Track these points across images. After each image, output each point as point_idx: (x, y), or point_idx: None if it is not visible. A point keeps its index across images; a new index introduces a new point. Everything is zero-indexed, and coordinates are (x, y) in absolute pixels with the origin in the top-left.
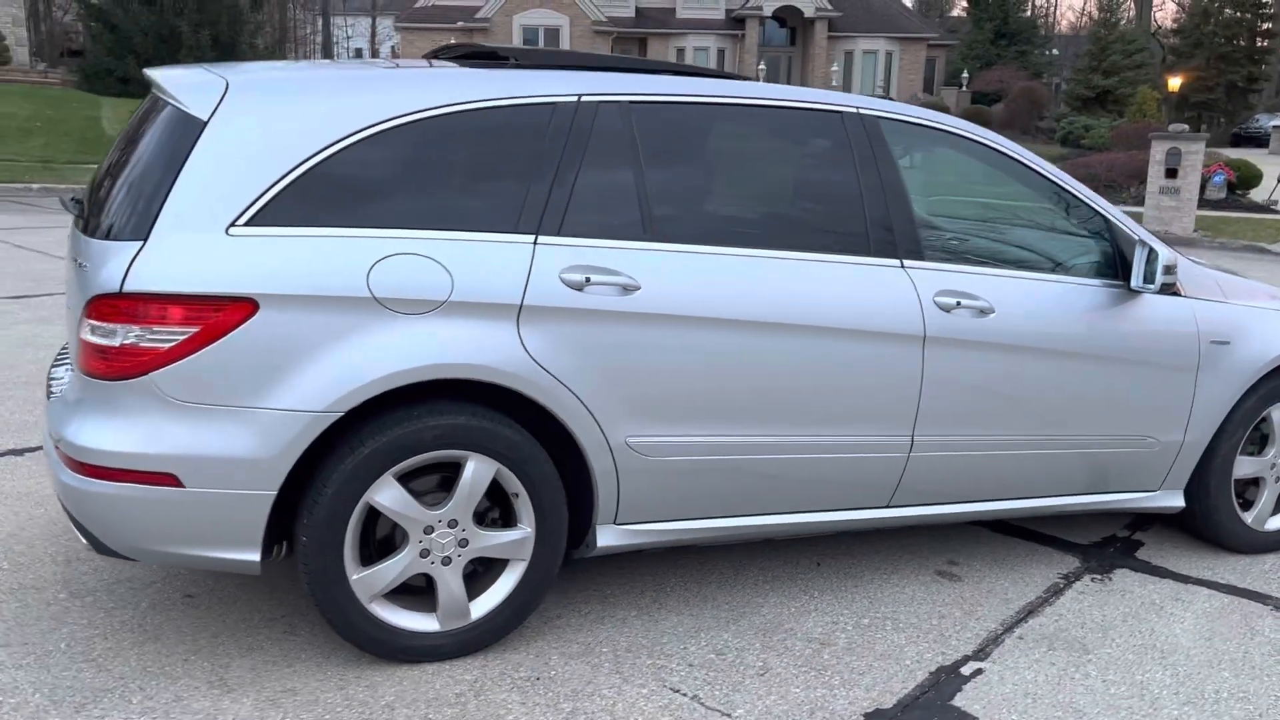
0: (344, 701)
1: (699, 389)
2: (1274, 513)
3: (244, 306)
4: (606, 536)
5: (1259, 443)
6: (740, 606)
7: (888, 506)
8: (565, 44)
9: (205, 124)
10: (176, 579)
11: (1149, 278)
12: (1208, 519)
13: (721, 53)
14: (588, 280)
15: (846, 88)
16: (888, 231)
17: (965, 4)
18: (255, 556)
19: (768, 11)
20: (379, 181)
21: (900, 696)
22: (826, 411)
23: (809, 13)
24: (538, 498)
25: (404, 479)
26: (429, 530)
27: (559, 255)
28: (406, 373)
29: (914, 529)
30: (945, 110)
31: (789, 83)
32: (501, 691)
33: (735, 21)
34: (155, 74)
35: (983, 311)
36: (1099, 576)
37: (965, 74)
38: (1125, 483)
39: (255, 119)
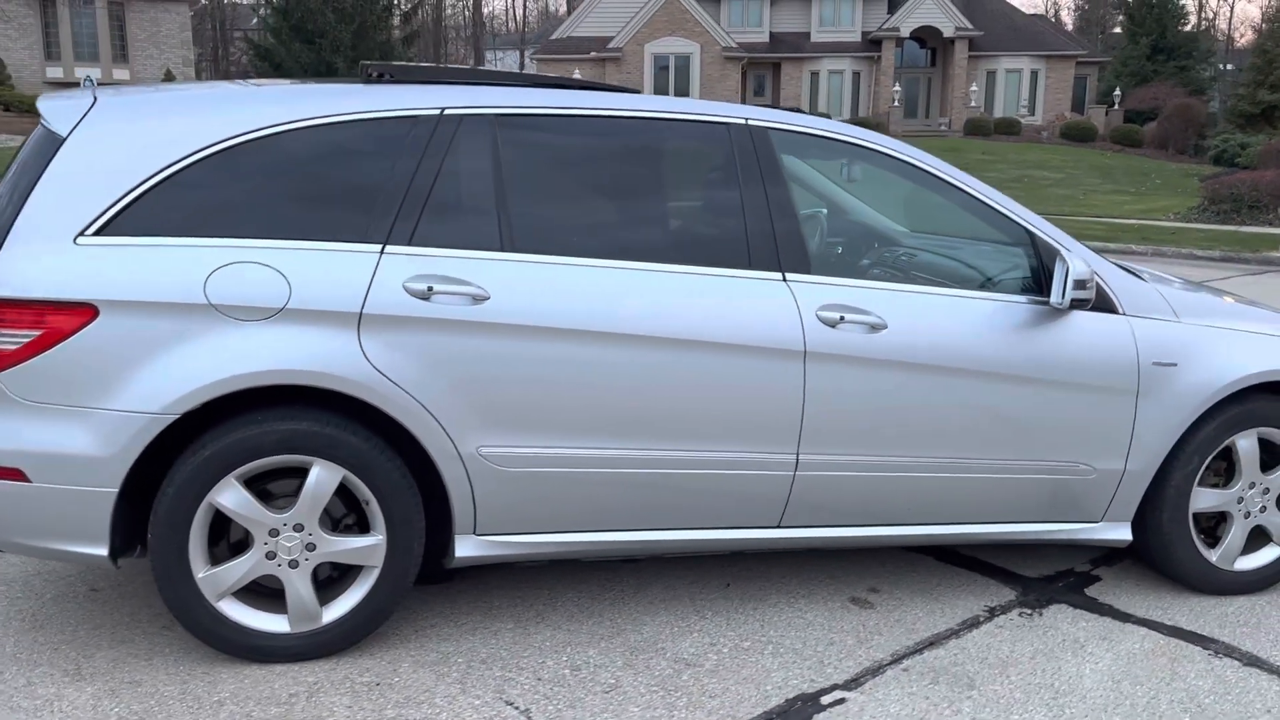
0: (179, 695)
1: (556, 400)
2: (1247, 551)
3: (84, 312)
4: (466, 547)
5: (1225, 474)
6: (623, 624)
7: (779, 527)
8: (696, 71)
9: (64, 140)
10: (90, 574)
11: (1064, 293)
12: (1164, 555)
13: (857, 75)
14: (430, 289)
15: (987, 108)
16: (770, 244)
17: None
18: (103, 551)
19: (905, 33)
20: (226, 194)
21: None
22: (700, 426)
23: (948, 32)
24: (387, 505)
25: (257, 481)
26: (274, 533)
27: (405, 265)
28: (240, 378)
29: (843, 553)
30: (1092, 130)
31: (928, 104)
32: (335, 695)
33: (871, 44)
34: (40, 100)
35: (874, 327)
36: (1029, 611)
37: (1117, 92)
38: (1060, 513)
39: (109, 136)
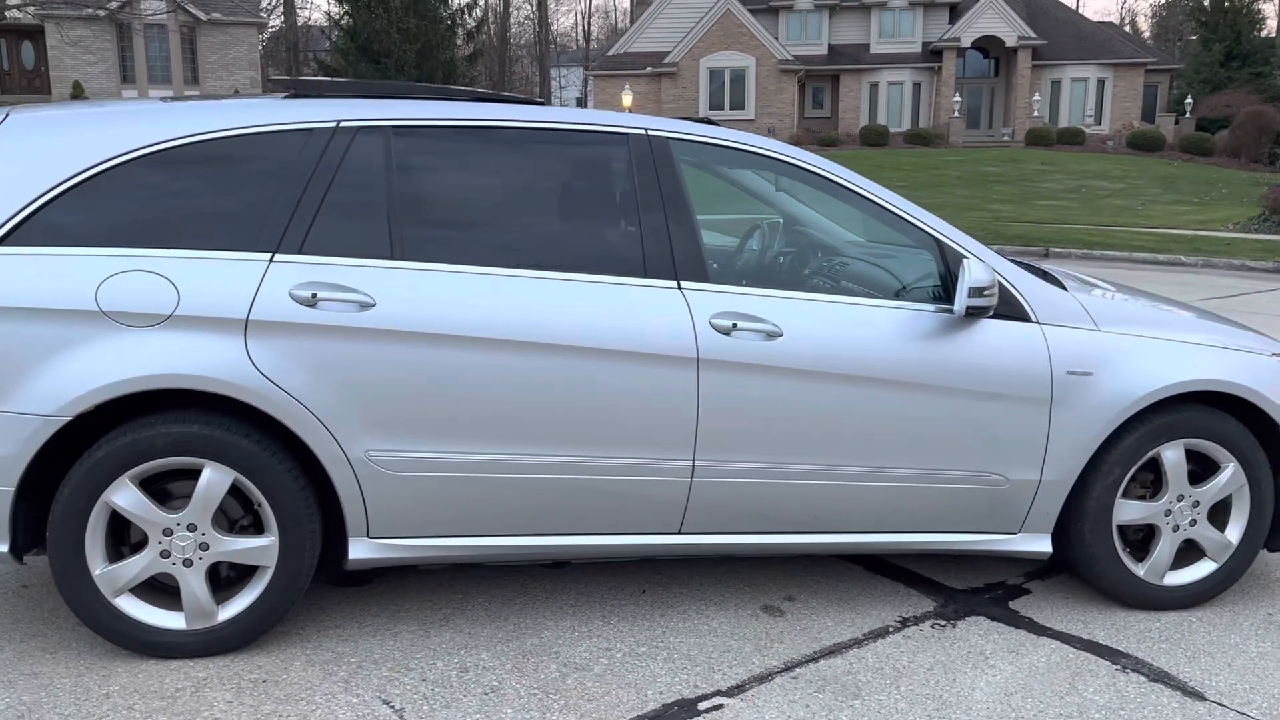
0: (71, 687)
1: (444, 406)
2: (1179, 566)
3: None
4: (360, 549)
5: (1153, 486)
6: (526, 628)
7: (680, 533)
8: (751, 84)
9: None
10: (23, 572)
11: (961, 301)
12: (1088, 569)
13: (917, 86)
14: (314, 296)
15: (1052, 118)
16: (666, 253)
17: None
18: (3, 547)
19: (966, 43)
20: (124, 206)
21: None
22: (593, 432)
23: (1011, 41)
24: (278, 507)
25: (158, 482)
26: (168, 533)
27: (292, 273)
28: (127, 382)
29: (767, 561)
30: (1160, 139)
31: (991, 114)
32: (220, 691)
33: (932, 54)
34: None
35: (769, 335)
36: (943, 623)
37: (1189, 100)
38: (975, 523)
39: (14, 151)
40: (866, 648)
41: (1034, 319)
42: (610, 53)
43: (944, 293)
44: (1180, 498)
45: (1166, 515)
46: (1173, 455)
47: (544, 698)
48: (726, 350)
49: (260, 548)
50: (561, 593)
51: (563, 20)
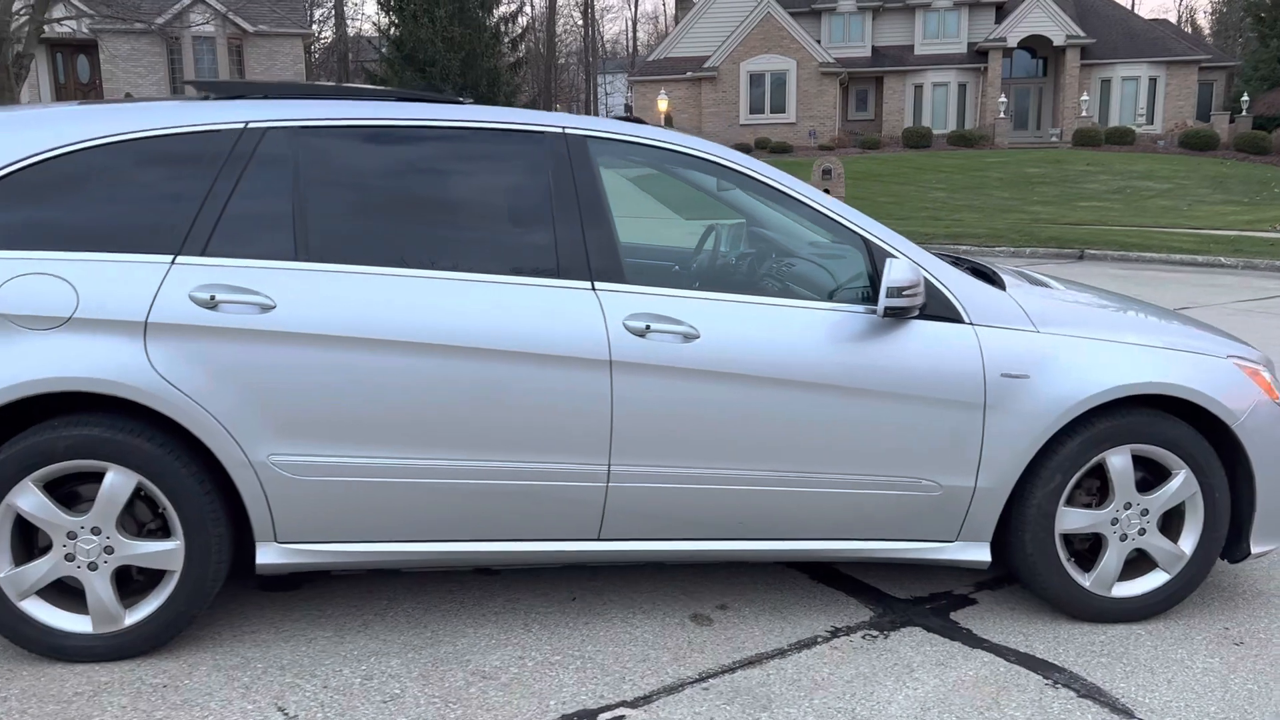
0: None
1: (349, 410)
2: (1128, 576)
3: None
4: (267, 554)
5: (1099, 493)
6: (443, 635)
7: (600, 539)
8: (792, 87)
9: None
10: None
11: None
12: (1031, 579)
13: (963, 88)
14: (213, 298)
15: (1102, 117)
16: (580, 253)
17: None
18: None
19: (1013, 43)
20: (29, 209)
21: None
22: (504, 436)
23: (1059, 41)
24: (182, 511)
25: (67, 484)
26: (73, 535)
27: (193, 275)
28: (25, 384)
29: (705, 569)
30: (1213, 138)
31: (1039, 115)
32: (118, 695)
33: (978, 55)
34: None
35: (686, 337)
36: (876, 633)
37: (1244, 97)
38: (907, 530)
39: None
40: (789, 658)
41: (967, 320)
42: (650, 58)
43: (872, 293)
44: (1128, 506)
45: (1113, 524)
46: (1118, 461)
47: (443, 706)
48: (641, 352)
49: (166, 552)
50: (490, 599)
51: (610, 27)
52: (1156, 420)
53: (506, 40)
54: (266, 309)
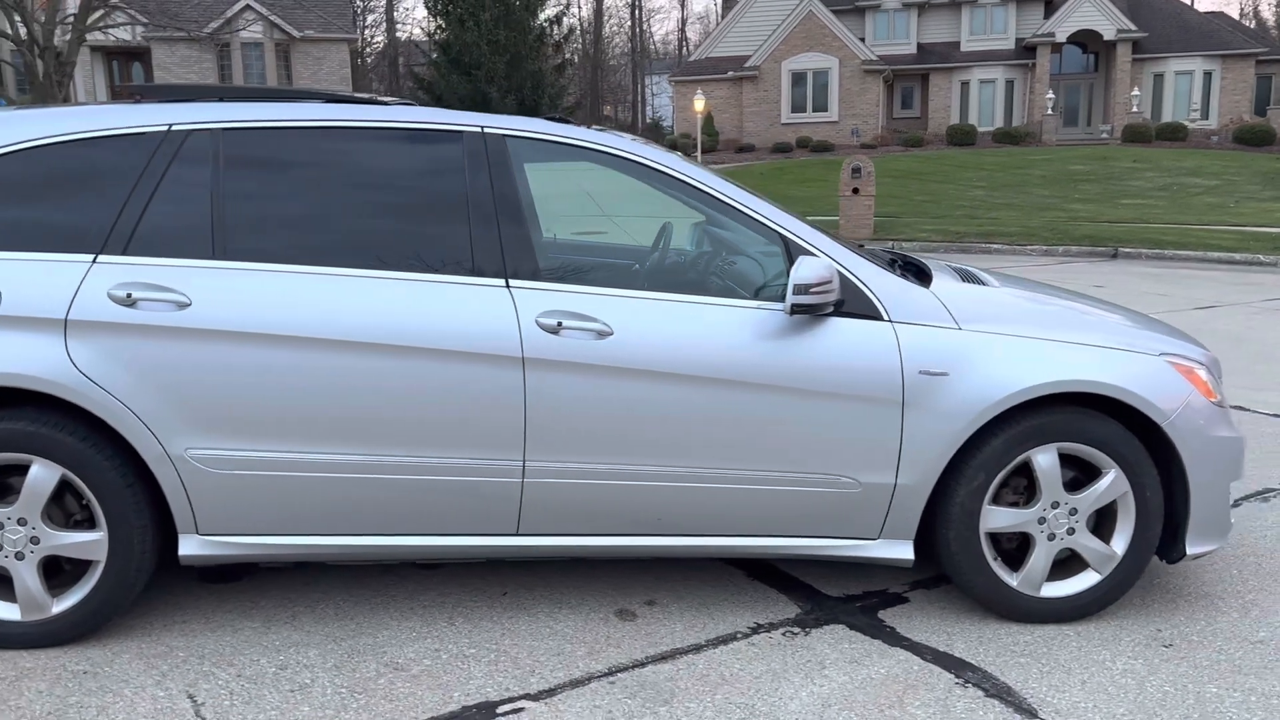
0: None
1: (263, 405)
2: (1059, 577)
3: None
4: (190, 546)
5: (1027, 492)
6: (368, 627)
7: (518, 535)
8: (834, 85)
9: None
10: None
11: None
12: (957, 578)
13: (1010, 84)
14: (130, 296)
15: (1155, 113)
16: (496, 251)
17: None
18: None
19: (1061, 38)
20: None
21: None
22: (418, 432)
23: (1109, 35)
24: (106, 503)
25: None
26: (0, 526)
27: (113, 273)
28: None
29: (638, 564)
30: (1270, 134)
31: (1089, 111)
32: (37, 681)
33: (1025, 50)
34: None
35: (600, 334)
36: (798, 631)
37: None
38: (828, 528)
39: None
40: (703, 654)
41: (886, 317)
42: (692, 58)
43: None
44: (1055, 505)
45: (1040, 523)
46: (1044, 460)
47: (347, 697)
48: (553, 349)
49: (91, 542)
50: (422, 593)
51: (660, 27)
52: (1084, 419)
53: (551, 42)
54: (182, 306)
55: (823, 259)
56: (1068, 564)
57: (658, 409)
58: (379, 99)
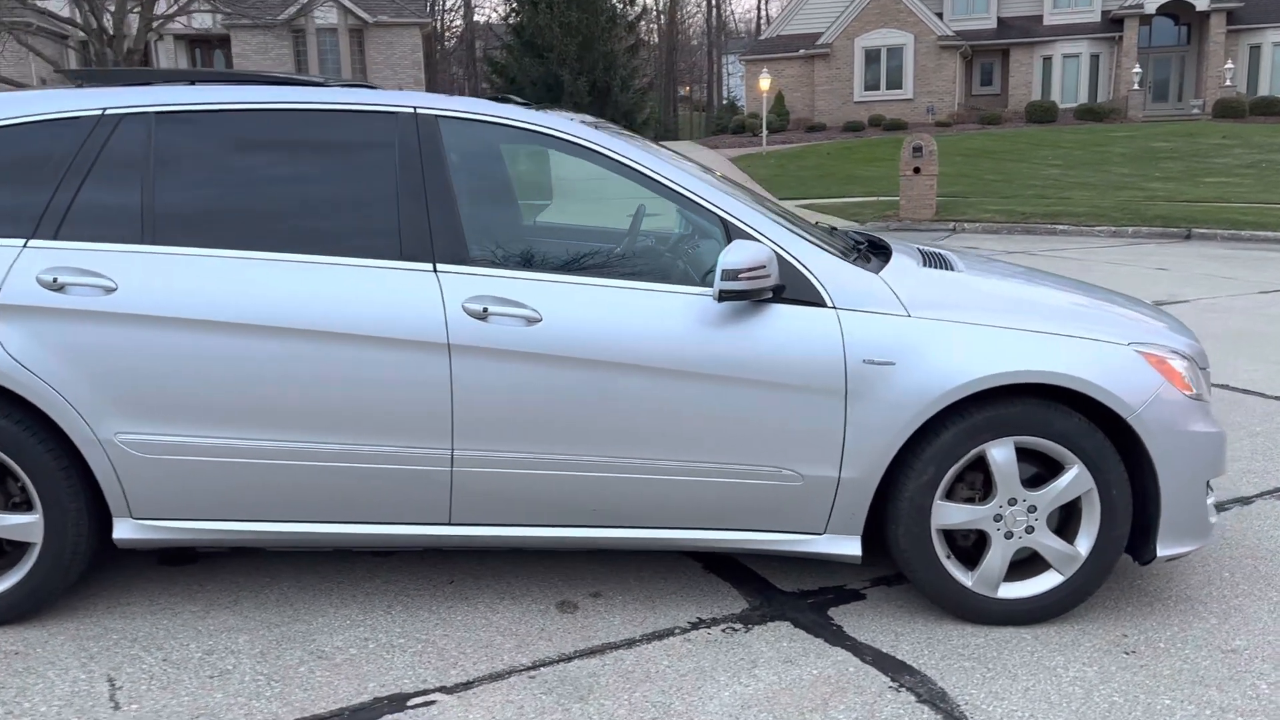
0: None
1: (190, 390)
2: (1018, 577)
3: None
4: (123, 529)
5: (983, 488)
6: (305, 615)
7: (451, 524)
8: (909, 62)
9: None
10: None
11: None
12: (910, 576)
13: (1095, 58)
14: (56, 280)
15: (1250, 86)
16: (424, 234)
17: None
18: None
19: (1150, 9)
20: None
21: (303, 715)
22: (345, 419)
23: (1202, 5)
24: (39, 486)
25: None
26: None
27: (43, 258)
28: None
29: (590, 555)
30: None
31: (1180, 85)
32: None
33: (1112, 23)
34: None
35: (529, 320)
36: (739, 627)
37: None
38: (772, 521)
39: None
40: (634, 649)
41: (830, 304)
42: (762, 36)
43: None
44: (1013, 501)
45: (997, 521)
46: (1000, 454)
47: (265, 684)
48: (480, 336)
49: (26, 524)
50: (368, 580)
51: (740, 3)
52: (1043, 411)
53: (624, 24)
54: (109, 291)
55: (758, 244)
56: (1030, 564)
57: (589, 398)
58: (315, 80)
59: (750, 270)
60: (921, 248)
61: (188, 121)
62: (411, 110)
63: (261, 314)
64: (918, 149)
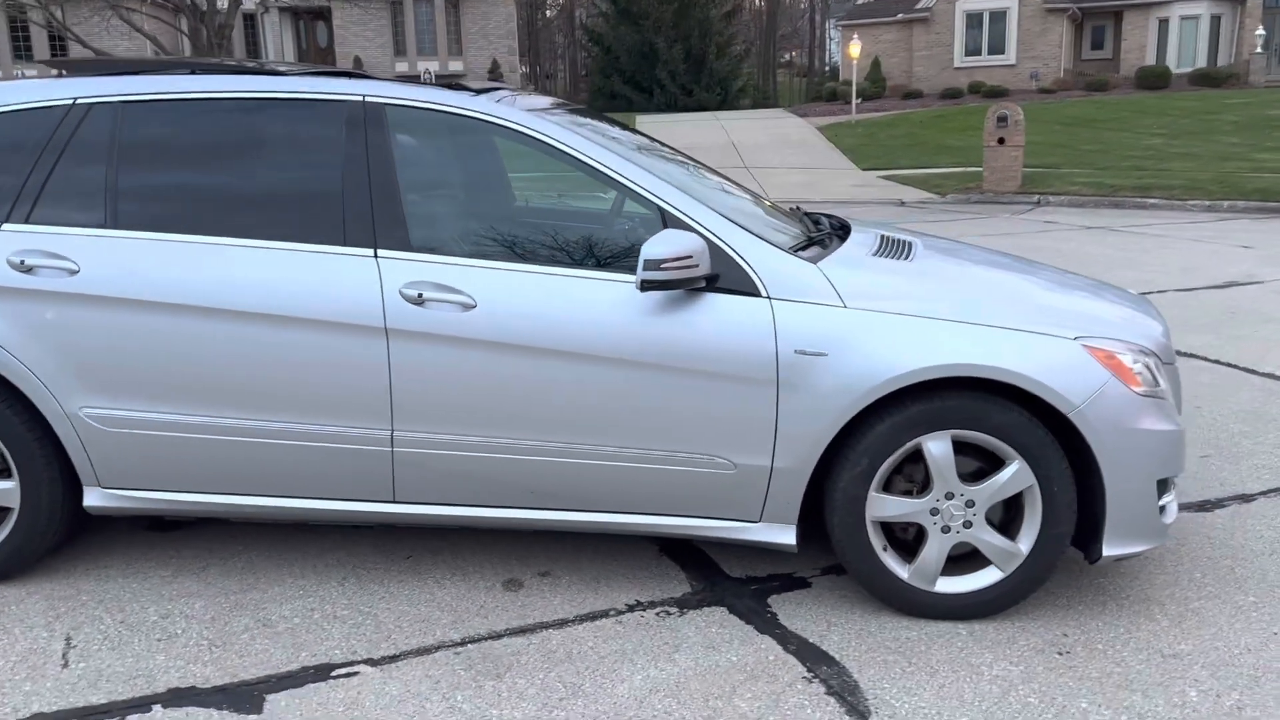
0: None
1: (146, 368)
2: (961, 571)
3: None
4: (93, 497)
5: (923, 481)
6: (261, 583)
7: (396, 502)
8: (1012, 26)
9: None
10: None
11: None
12: (848, 566)
13: (1216, 20)
14: (24, 263)
15: None
16: (367, 220)
17: None
18: None
19: None
20: None
21: (232, 680)
22: (291, 399)
23: None
24: (16, 455)
25: None
26: None
27: (14, 240)
28: None
29: (548, 534)
30: None
31: None
32: None
33: None
34: None
35: (464, 306)
36: (673, 611)
37: None
38: (708, 508)
39: None
40: (565, 629)
41: (764, 293)
42: (860, 1)
43: None
44: (950, 496)
45: (934, 514)
46: (937, 448)
47: (206, 650)
48: (417, 321)
49: (6, 490)
50: (332, 552)
51: None
52: (982, 405)
53: None
54: (72, 273)
55: (689, 234)
56: (971, 559)
57: (525, 384)
58: (276, 68)
59: (672, 260)
60: (885, 232)
61: (149, 110)
62: (360, 98)
63: (212, 297)
64: (1003, 118)
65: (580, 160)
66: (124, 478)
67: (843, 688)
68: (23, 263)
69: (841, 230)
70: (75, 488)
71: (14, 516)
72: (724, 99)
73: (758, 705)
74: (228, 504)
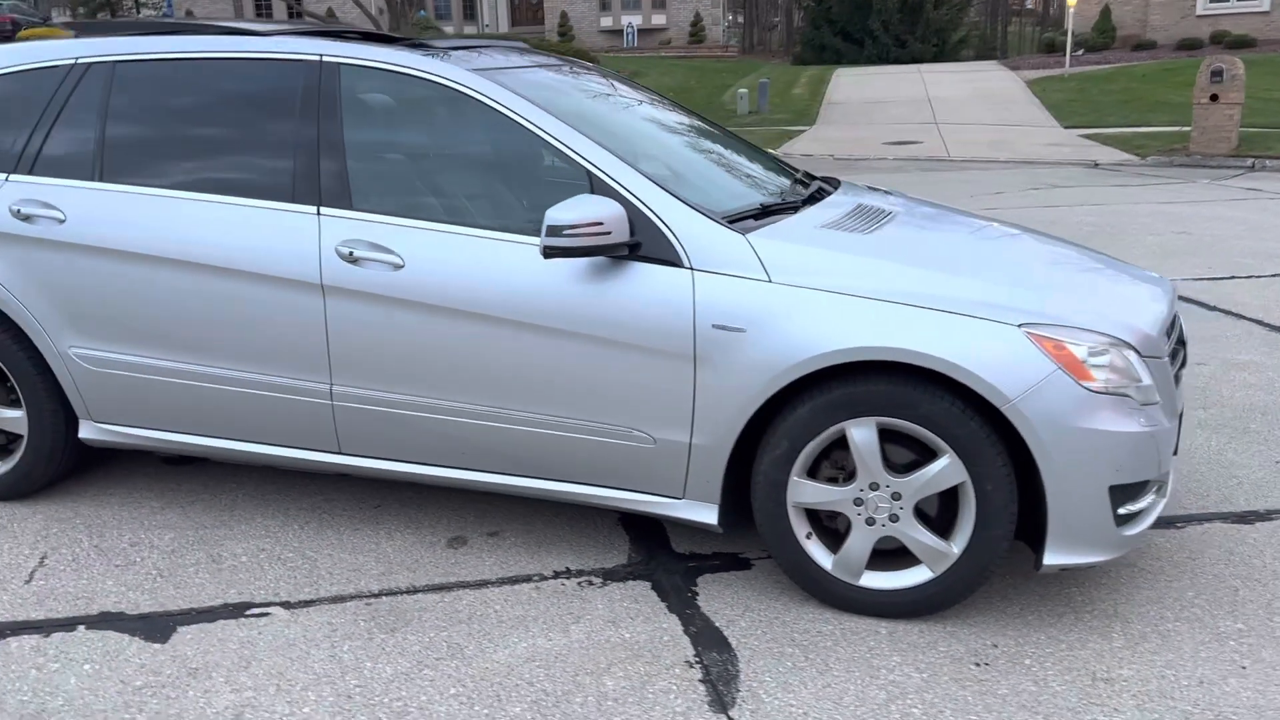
0: None
1: (120, 313)
2: (882, 568)
3: None
4: (86, 430)
5: (851, 469)
6: (232, 521)
7: (340, 453)
8: None
9: None
10: None
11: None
12: (771, 551)
13: None
14: (20, 211)
15: None
16: (314, 178)
17: None
18: None
19: None
20: None
21: (158, 610)
22: (244, 349)
23: None
24: (23, 388)
25: None
26: None
27: (16, 191)
28: None
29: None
30: None
31: None
32: None
33: None
34: None
35: (395, 266)
36: (595, 581)
37: None
38: (630, 480)
39: None
40: (479, 591)
41: (686, 264)
42: None
43: None
44: (874, 486)
45: (857, 505)
46: (860, 435)
47: (154, 579)
48: (350, 279)
49: (16, 418)
50: (308, 497)
51: None
52: (910, 393)
53: None
54: (60, 222)
55: (603, 199)
56: (902, 556)
57: (452, 345)
58: (251, 28)
59: (579, 227)
60: (866, 200)
61: (138, 70)
62: (318, 58)
63: (174, 249)
64: (1217, 73)
65: (513, 120)
66: (109, 414)
67: (720, 676)
68: (20, 211)
69: (819, 196)
70: (74, 421)
71: (23, 443)
72: (940, 50)
73: (623, 685)
74: (198, 444)
